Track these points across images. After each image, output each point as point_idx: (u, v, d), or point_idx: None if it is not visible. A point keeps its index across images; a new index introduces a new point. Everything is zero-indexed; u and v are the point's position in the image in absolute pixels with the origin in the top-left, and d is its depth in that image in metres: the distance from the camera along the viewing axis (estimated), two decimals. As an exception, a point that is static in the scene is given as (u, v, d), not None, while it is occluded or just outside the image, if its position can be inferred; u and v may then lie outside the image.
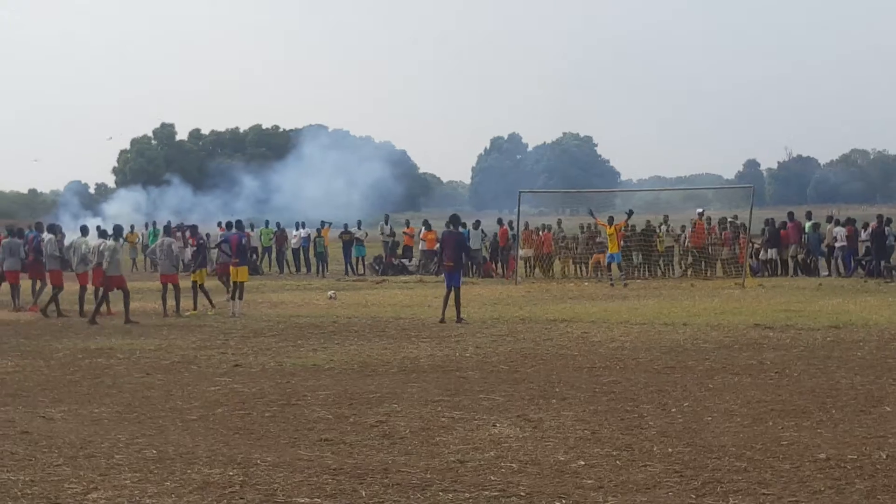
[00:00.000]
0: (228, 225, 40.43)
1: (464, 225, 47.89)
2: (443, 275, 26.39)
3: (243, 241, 29.46)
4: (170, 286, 27.76)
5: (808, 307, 26.53)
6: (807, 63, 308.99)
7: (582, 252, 44.72)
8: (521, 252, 44.25)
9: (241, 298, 28.10)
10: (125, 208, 70.77)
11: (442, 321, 24.16)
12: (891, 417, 12.32)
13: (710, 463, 10.11)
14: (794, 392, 14.16)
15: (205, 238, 32.39)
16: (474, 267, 44.13)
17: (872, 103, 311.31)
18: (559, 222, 49.58)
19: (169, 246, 28.17)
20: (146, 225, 56.67)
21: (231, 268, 28.89)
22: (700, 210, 49.35)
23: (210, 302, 28.58)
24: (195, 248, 30.34)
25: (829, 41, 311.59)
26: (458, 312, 24.57)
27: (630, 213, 41.44)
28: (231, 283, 28.55)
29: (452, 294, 24.79)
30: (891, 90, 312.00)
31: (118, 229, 28.40)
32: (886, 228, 39.05)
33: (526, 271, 44.57)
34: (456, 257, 25.55)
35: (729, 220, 45.93)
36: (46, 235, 30.57)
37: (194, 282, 28.93)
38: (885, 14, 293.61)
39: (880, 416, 12.39)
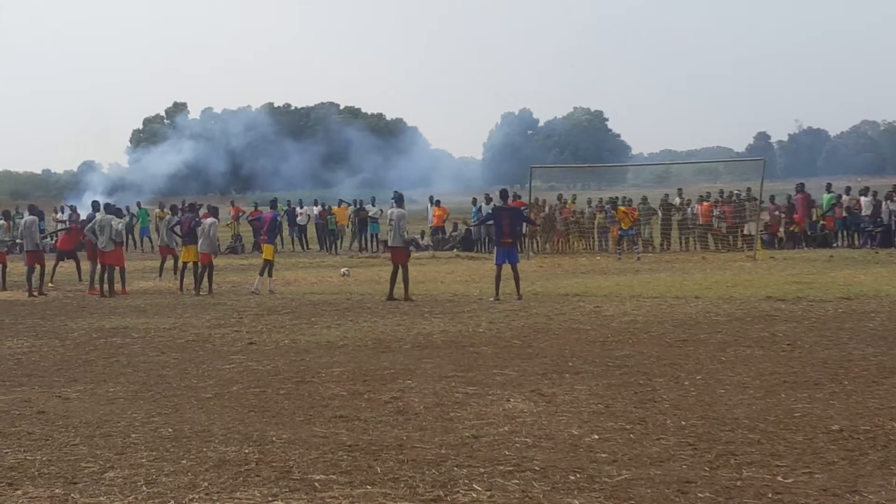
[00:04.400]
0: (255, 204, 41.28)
1: (474, 201, 48.19)
2: (494, 251, 26.09)
3: (278, 220, 29.78)
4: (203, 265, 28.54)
5: (819, 279, 26.55)
6: (816, 35, 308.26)
7: (591, 227, 44.84)
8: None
9: (270, 276, 28.43)
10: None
11: (497, 298, 23.91)
12: (903, 388, 12.35)
13: (723, 435, 10.14)
14: (807, 364, 14.17)
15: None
16: (487, 240, 44.19)
17: (883, 74, 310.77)
18: (560, 196, 49.54)
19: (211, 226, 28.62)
20: (138, 204, 56.50)
21: (263, 245, 29.40)
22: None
23: (181, 285, 28.85)
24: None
25: (839, 12, 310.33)
26: (518, 289, 24.32)
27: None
28: (264, 262, 28.63)
29: (507, 269, 24.54)
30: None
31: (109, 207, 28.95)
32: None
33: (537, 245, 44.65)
34: (514, 232, 25.39)
35: (736, 192, 45.97)
36: (27, 217, 30.67)
37: (184, 261, 29.13)
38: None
39: (893, 387, 12.40)
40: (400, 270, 24.76)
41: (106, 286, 27.80)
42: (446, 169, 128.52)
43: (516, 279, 24.26)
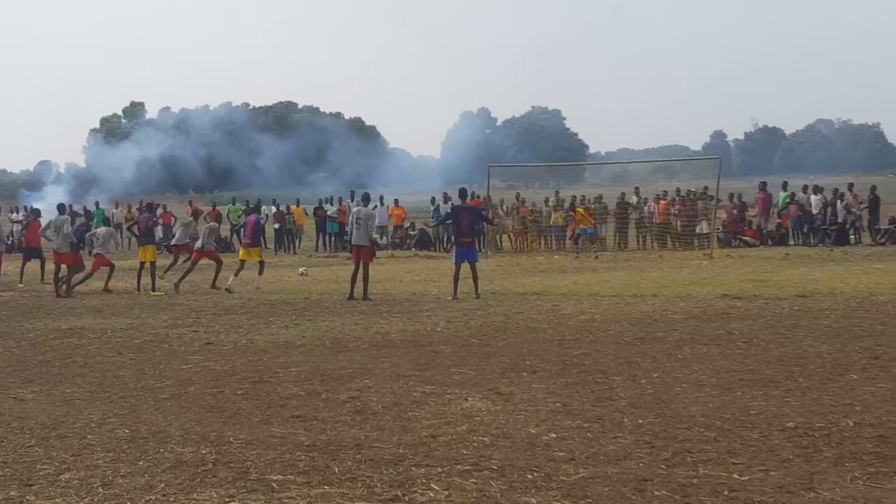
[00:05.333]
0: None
1: (432, 200, 48.27)
2: (453, 250, 26.17)
3: (261, 223, 29.90)
4: (213, 262, 29.95)
5: (774, 277, 26.74)
6: (772, 34, 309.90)
7: (549, 226, 45.02)
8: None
9: (260, 274, 29.44)
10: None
11: (455, 297, 23.98)
12: (858, 385, 12.42)
13: (679, 433, 10.19)
14: (762, 361, 14.26)
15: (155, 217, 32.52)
16: (445, 240, 44.28)
17: (837, 73, 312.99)
18: (517, 195, 49.81)
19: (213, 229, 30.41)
20: (96, 204, 56.27)
21: (242, 249, 29.96)
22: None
23: (138, 286, 28.84)
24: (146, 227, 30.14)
25: (794, 13, 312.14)
26: (476, 287, 24.41)
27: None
28: (242, 263, 29.34)
29: (465, 268, 24.59)
30: (854, 61, 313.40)
31: (61, 208, 29.29)
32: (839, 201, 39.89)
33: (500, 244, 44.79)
34: (473, 232, 25.45)
35: (693, 190, 46.33)
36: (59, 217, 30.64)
37: (141, 261, 29.06)
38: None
39: (847, 384, 12.50)
40: (361, 269, 24.79)
41: (63, 286, 27.90)
42: (405, 168, 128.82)
43: (475, 278, 24.32)
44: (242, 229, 31.42)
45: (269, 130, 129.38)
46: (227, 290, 27.47)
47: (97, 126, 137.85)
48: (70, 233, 28.90)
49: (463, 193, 26.61)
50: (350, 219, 27.62)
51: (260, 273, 29.31)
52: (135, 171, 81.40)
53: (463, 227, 24.76)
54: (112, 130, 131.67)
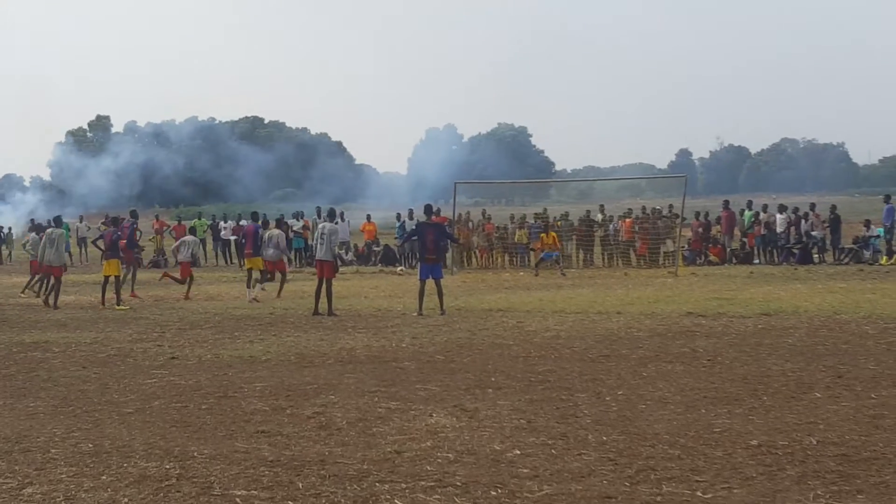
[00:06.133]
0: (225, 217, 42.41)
1: (398, 217, 48.32)
2: (418, 266, 26.22)
3: (259, 233, 30.10)
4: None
5: (739, 295, 26.83)
6: (737, 54, 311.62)
7: (514, 243, 45.12)
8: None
9: (254, 287, 29.71)
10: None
11: (421, 314, 23.94)
12: (821, 403, 12.48)
13: (643, 451, 10.22)
14: (727, 379, 14.31)
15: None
16: (410, 256, 44.27)
17: (803, 93, 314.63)
18: (483, 212, 49.91)
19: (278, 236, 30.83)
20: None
21: (246, 259, 31.02)
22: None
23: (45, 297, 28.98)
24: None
25: (760, 33, 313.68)
26: (442, 304, 24.42)
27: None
28: (249, 272, 30.24)
29: (430, 285, 24.64)
30: (819, 80, 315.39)
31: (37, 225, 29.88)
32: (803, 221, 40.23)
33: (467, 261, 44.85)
34: (439, 248, 25.52)
35: (658, 208, 46.55)
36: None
37: (105, 276, 28.94)
38: (815, 9, 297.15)
39: (811, 403, 12.56)
40: (325, 285, 24.78)
41: (52, 298, 28.12)
42: (372, 184, 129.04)
43: (440, 294, 24.33)
44: (244, 240, 32.48)
45: (245, 144, 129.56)
46: (253, 300, 28.44)
47: (62, 139, 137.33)
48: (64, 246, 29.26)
49: (428, 210, 26.61)
50: (316, 234, 27.86)
51: (260, 281, 30.12)
52: (110, 183, 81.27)
53: (428, 243, 24.80)
54: (79, 143, 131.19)
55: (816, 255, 41.53)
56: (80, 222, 56.42)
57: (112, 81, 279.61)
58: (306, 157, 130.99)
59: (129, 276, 31.04)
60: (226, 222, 52.17)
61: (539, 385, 14.19)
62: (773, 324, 20.58)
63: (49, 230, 29.47)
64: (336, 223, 27.24)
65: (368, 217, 51.34)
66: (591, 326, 20.90)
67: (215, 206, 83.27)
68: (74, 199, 74.35)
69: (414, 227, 31.51)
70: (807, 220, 41.64)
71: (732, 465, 9.62)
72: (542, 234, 41.38)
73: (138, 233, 34.44)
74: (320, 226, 27.09)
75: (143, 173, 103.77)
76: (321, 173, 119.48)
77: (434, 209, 29.45)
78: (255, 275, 29.75)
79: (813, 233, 41.45)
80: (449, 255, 41.55)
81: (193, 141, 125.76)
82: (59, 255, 28.87)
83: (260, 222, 31.72)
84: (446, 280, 27.11)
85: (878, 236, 40.89)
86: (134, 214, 31.60)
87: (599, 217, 45.92)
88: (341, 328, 21.59)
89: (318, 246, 25.91)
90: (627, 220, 44.65)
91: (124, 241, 29.85)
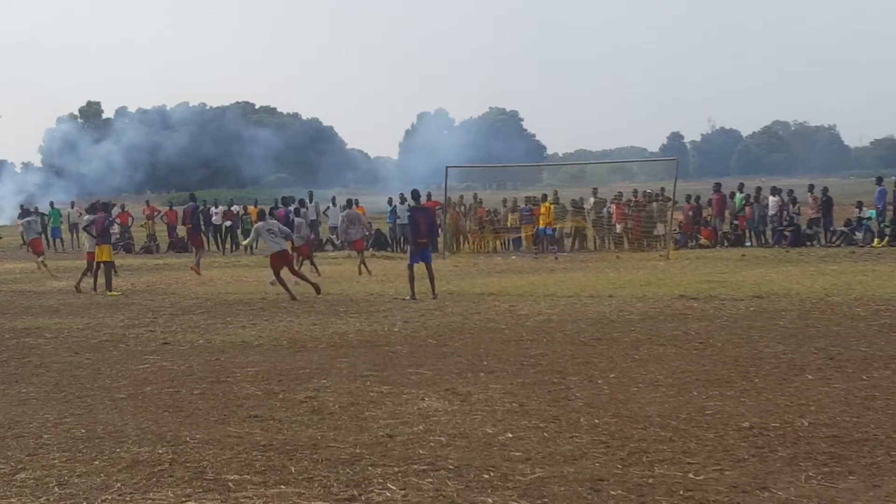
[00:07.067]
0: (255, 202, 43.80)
1: (389, 201, 48.32)
2: (408, 251, 26.22)
3: (290, 218, 30.22)
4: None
5: (731, 278, 26.85)
6: (728, 36, 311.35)
7: (506, 227, 45.11)
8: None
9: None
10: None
11: (413, 298, 23.88)
12: (812, 385, 12.49)
13: (635, 433, 10.23)
14: (718, 362, 14.32)
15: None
16: (402, 241, 44.27)
17: (794, 75, 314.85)
18: (475, 196, 49.92)
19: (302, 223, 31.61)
20: (51, 204, 56.22)
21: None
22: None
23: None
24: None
25: (751, 16, 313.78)
26: (433, 288, 24.34)
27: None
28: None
29: (421, 269, 24.63)
30: (811, 63, 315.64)
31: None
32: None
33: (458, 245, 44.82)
34: (431, 233, 25.61)
35: (649, 191, 46.56)
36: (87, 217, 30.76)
37: (98, 261, 28.86)
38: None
39: (802, 385, 12.57)
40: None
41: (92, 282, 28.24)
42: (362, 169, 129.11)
43: (431, 278, 24.31)
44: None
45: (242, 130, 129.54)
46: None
47: (53, 126, 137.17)
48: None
49: (415, 195, 26.57)
50: (341, 220, 28.91)
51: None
52: (108, 169, 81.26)
53: (420, 227, 24.78)
54: (71, 129, 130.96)
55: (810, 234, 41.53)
56: (72, 208, 56.37)
57: (101, 68, 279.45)
58: (298, 142, 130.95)
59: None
60: (216, 207, 52.02)
61: (531, 368, 14.20)
62: (765, 306, 20.59)
63: (86, 217, 29.44)
64: (327, 209, 27.69)
65: (356, 201, 51.08)
66: (582, 310, 20.91)
67: (210, 192, 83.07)
68: (78, 184, 74.40)
69: (407, 212, 31.73)
70: (794, 205, 41.66)
71: (724, 447, 9.63)
72: (537, 208, 41.46)
73: (116, 224, 34.52)
74: (343, 213, 27.96)
75: (142, 158, 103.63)
76: (313, 158, 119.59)
77: (426, 194, 29.68)
78: None
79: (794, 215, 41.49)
80: (440, 239, 41.59)
81: (187, 127, 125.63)
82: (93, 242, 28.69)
83: (292, 207, 32.17)
84: (438, 264, 27.12)
85: (869, 218, 40.91)
86: (106, 207, 31.47)
87: (592, 200, 45.87)
88: (333, 313, 21.58)
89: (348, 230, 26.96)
90: (620, 203, 44.54)
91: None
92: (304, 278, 25.90)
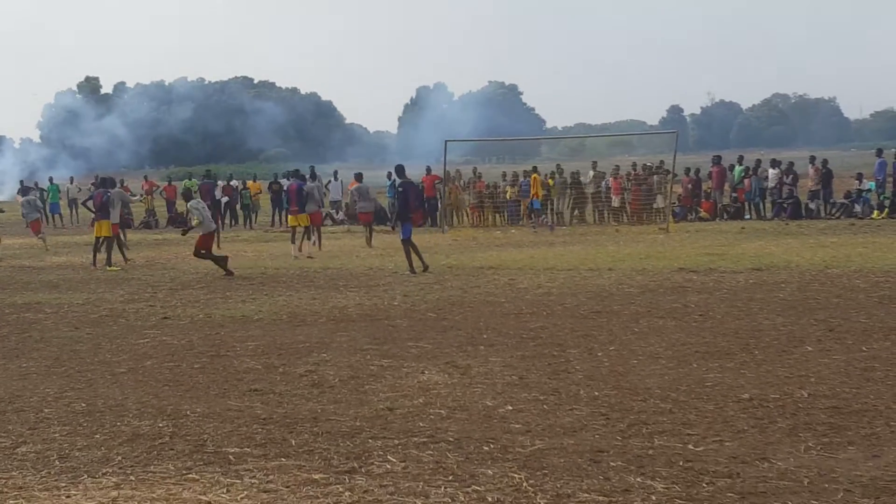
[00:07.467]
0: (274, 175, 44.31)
1: (388, 175, 48.25)
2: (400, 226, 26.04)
3: (304, 190, 30.21)
4: None
5: (730, 250, 26.84)
6: (728, 8, 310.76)
7: (505, 201, 45.02)
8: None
9: (308, 239, 30.68)
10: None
11: (412, 272, 23.71)
12: (812, 357, 12.51)
13: (635, 405, 10.25)
14: (718, 334, 14.34)
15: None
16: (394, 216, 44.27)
17: (793, 47, 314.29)
18: (474, 170, 49.75)
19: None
20: (50, 179, 56.21)
21: (290, 216, 31.22)
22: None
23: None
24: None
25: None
26: (422, 259, 24.33)
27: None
28: (293, 229, 30.60)
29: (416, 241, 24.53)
30: (811, 36, 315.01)
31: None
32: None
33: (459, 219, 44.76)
34: (422, 208, 25.77)
35: (649, 164, 46.50)
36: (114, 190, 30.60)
37: (97, 237, 28.80)
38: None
39: (801, 356, 12.59)
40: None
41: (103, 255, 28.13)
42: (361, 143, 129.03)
43: (417, 252, 24.18)
44: (286, 197, 33.63)
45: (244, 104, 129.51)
46: (296, 257, 28.80)
47: (52, 101, 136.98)
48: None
49: (399, 170, 26.36)
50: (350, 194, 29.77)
51: (310, 238, 30.56)
52: (112, 143, 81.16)
53: (411, 202, 24.78)
54: (70, 104, 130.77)
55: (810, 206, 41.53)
56: (71, 183, 56.35)
57: (98, 43, 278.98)
58: (300, 117, 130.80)
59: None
60: (216, 183, 51.94)
61: (531, 341, 14.22)
62: (765, 278, 20.59)
63: (114, 191, 29.30)
64: (328, 182, 28.01)
65: (360, 176, 51.04)
66: (582, 283, 20.90)
67: (211, 167, 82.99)
68: (74, 159, 74.37)
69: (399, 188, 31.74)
70: (788, 176, 41.60)
71: (724, 418, 9.66)
72: (527, 178, 41.50)
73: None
74: (353, 188, 28.76)
75: (144, 133, 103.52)
76: (316, 133, 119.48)
77: (424, 168, 29.96)
78: (300, 231, 30.26)
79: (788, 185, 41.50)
80: (438, 213, 41.62)
81: (189, 102, 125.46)
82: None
83: (308, 178, 32.51)
84: (437, 238, 27.14)
85: (869, 190, 40.86)
86: (105, 183, 31.30)
87: (591, 174, 45.76)
88: (333, 287, 21.58)
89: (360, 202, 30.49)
90: (619, 176, 44.40)
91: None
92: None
